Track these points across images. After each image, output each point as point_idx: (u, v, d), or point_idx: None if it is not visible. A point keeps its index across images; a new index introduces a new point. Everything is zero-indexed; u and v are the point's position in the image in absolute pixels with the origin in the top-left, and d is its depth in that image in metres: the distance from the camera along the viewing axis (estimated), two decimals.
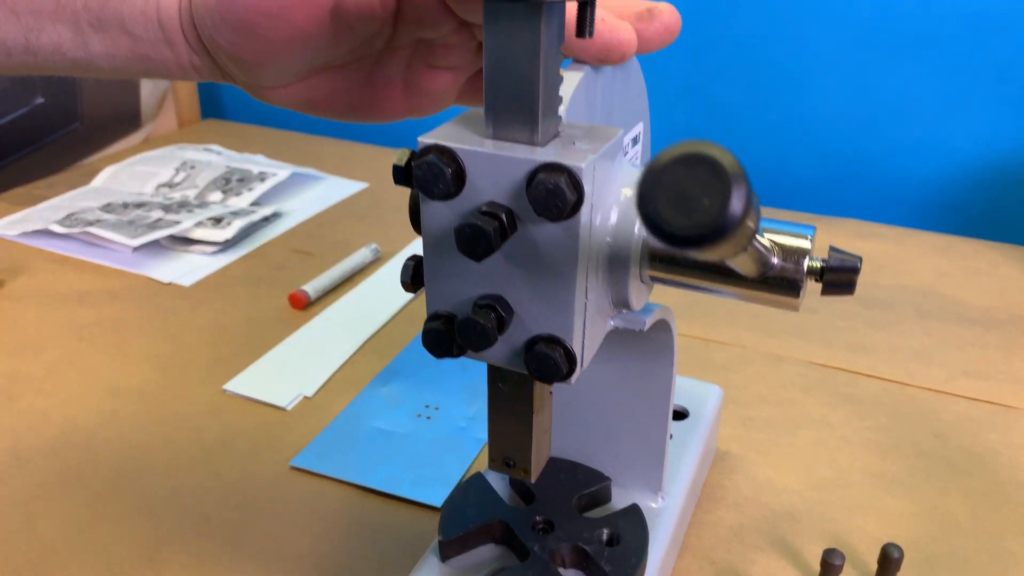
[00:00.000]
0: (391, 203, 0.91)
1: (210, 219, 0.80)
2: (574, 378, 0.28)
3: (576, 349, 0.28)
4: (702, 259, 0.27)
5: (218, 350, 0.64)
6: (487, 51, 0.25)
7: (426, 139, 0.27)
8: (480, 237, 0.25)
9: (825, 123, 0.90)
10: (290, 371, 0.61)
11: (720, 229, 0.16)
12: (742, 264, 0.24)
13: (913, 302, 0.73)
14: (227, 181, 0.90)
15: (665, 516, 0.42)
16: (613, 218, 0.27)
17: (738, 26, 0.89)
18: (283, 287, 0.73)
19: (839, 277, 0.26)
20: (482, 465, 0.52)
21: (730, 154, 0.16)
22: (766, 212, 0.87)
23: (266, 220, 0.84)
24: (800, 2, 0.85)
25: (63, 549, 0.46)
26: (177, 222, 0.78)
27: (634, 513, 0.39)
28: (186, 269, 0.75)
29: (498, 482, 0.42)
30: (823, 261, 0.26)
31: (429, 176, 0.26)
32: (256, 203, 0.87)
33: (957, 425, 0.57)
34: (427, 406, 0.58)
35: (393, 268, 0.77)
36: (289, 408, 0.58)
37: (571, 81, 0.28)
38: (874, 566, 0.45)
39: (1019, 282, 0.76)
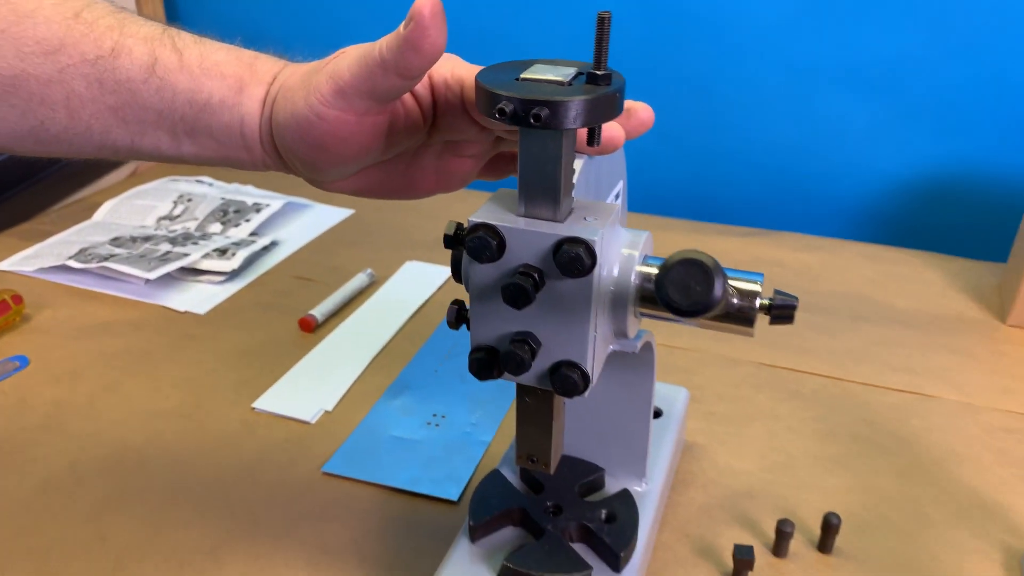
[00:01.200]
0: (378, 229, 0.99)
1: (215, 250, 0.87)
2: (587, 393, 0.37)
3: (589, 371, 0.37)
4: None
5: (241, 372, 0.72)
6: (522, 158, 0.34)
7: (476, 219, 0.35)
8: (521, 293, 0.34)
9: (769, 148, 1.01)
10: (310, 388, 0.69)
11: (708, 306, 0.25)
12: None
13: (847, 307, 0.83)
14: (224, 213, 0.97)
15: (649, 498, 0.51)
16: (615, 271, 0.36)
17: (692, 66, 0.99)
18: (291, 312, 0.80)
19: (782, 312, 0.35)
20: (489, 463, 0.61)
21: (713, 258, 0.25)
22: (717, 228, 0.97)
23: (265, 249, 0.91)
24: (745, 44, 0.96)
25: (135, 554, 0.53)
26: (186, 254, 0.85)
27: (625, 496, 0.48)
28: (198, 298, 0.82)
29: (512, 476, 0.51)
30: (770, 300, 0.36)
31: (479, 246, 0.35)
32: (254, 233, 0.94)
33: (885, 413, 0.68)
34: (435, 415, 0.66)
35: (387, 291, 0.85)
36: (313, 422, 0.66)
37: (577, 166, 0.37)
38: (818, 532, 0.55)
39: (938, 286, 0.88)
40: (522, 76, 0.33)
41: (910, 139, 0.95)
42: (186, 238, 0.91)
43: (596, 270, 0.34)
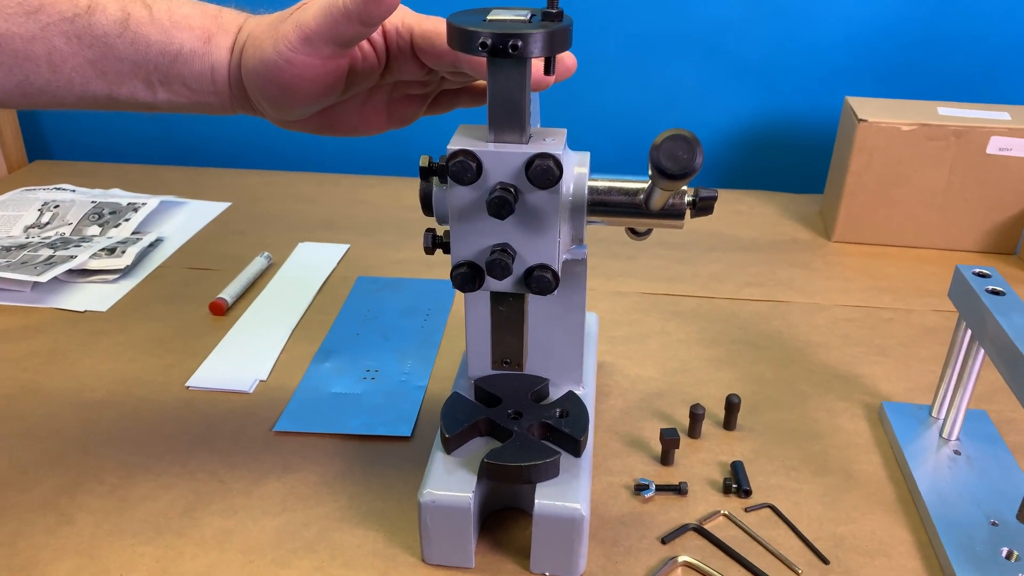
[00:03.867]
0: (261, 217, 1.00)
1: (103, 250, 0.86)
2: (555, 291, 0.44)
3: (558, 271, 0.43)
4: (648, 202, 0.44)
5: (163, 358, 0.72)
6: (491, 87, 0.40)
7: (454, 146, 0.41)
8: (505, 204, 0.40)
9: (613, 112, 1.12)
10: (239, 362, 0.71)
11: (692, 170, 0.32)
12: (660, 200, 0.42)
13: (702, 241, 0.96)
14: (99, 215, 0.95)
15: (588, 399, 0.59)
16: (571, 186, 0.43)
17: None
18: (196, 300, 0.81)
19: (706, 203, 0.44)
20: (430, 404, 0.66)
21: (694, 134, 0.33)
22: None
23: (152, 246, 0.91)
24: (588, 15, 1.05)
25: (107, 528, 0.54)
26: (72, 256, 0.84)
27: (572, 396, 0.56)
28: (95, 297, 0.81)
29: (469, 396, 0.57)
30: (695, 196, 0.44)
31: (460, 169, 0.41)
32: (137, 231, 0.93)
33: (751, 319, 0.79)
34: (368, 370, 0.71)
35: (287, 271, 0.87)
36: (251, 391, 0.68)
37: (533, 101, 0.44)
38: (722, 415, 0.65)
39: (771, 217, 1.02)
40: (488, 18, 0.40)
41: (735, 95, 1.09)
42: (65, 242, 0.88)
43: (563, 181, 0.41)
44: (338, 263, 0.89)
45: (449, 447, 0.53)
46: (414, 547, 0.53)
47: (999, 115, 0.89)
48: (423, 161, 0.43)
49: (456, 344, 0.74)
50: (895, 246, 0.94)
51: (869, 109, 0.91)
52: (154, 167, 1.16)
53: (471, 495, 0.49)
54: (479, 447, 0.53)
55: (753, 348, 0.75)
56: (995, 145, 0.87)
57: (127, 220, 0.94)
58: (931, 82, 1.04)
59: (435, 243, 0.44)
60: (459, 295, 0.83)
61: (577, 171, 0.44)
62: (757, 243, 0.95)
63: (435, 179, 0.44)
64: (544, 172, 0.40)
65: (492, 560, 0.52)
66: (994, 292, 0.56)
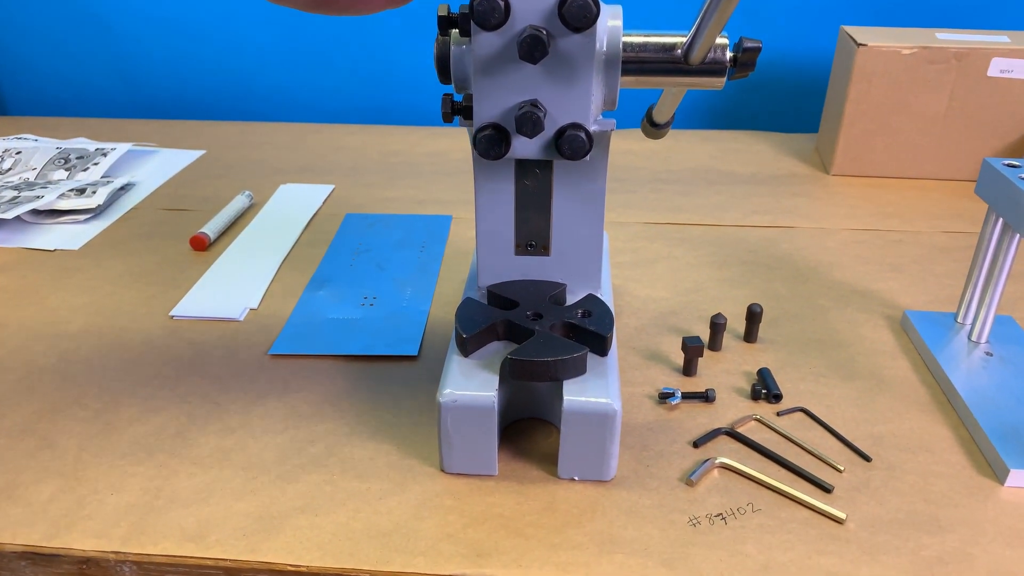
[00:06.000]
0: (238, 163, 0.95)
1: (72, 190, 0.80)
2: (588, 156, 0.40)
3: (591, 131, 0.40)
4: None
5: (142, 291, 0.67)
6: None
7: None
8: (537, 43, 0.36)
9: None
10: (227, 291, 0.67)
11: None
12: (703, 48, 0.38)
13: (700, 177, 0.93)
14: (66, 160, 0.89)
15: (607, 301, 0.55)
16: (605, 38, 0.40)
17: None
18: (175, 237, 0.76)
19: (749, 56, 0.41)
20: (435, 327, 0.63)
21: None
22: None
23: (123, 189, 0.86)
24: None
25: (92, 451, 0.50)
26: (39, 196, 0.78)
27: (593, 297, 0.52)
28: (66, 236, 0.76)
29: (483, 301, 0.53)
30: (735, 49, 0.41)
31: (487, 9, 0.37)
32: (106, 176, 0.87)
33: (759, 244, 0.77)
34: (365, 297, 0.67)
35: (270, 210, 0.83)
36: (242, 319, 0.64)
37: None
38: (742, 330, 0.62)
39: (768, 154, 0.99)
40: None
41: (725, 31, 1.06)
42: (31, 185, 0.83)
43: (599, 23, 0.38)
44: (324, 202, 0.85)
45: (467, 349, 0.49)
46: (432, 458, 0.49)
47: (998, 38, 0.88)
48: (442, 10, 0.39)
49: (456, 273, 0.71)
50: (895, 177, 0.92)
51: (868, 35, 0.89)
52: (121, 120, 1.10)
53: (494, 394, 0.46)
54: (499, 349, 0.50)
55: (764, 269, 0.72)
56: (996, 67, 0.86)
57: (95, 164, 0.88)
58: (925, 11, 1.02)
59: (454, 109, 0.41)
60: (455, 227, 0.79)
61: (611, 23, 0.40)
62: (756, 177, 0.93)
63: (454, 33, 0.40)
64: (581, 9, 0.37)
65: (516, 467, 0.48)
66: None
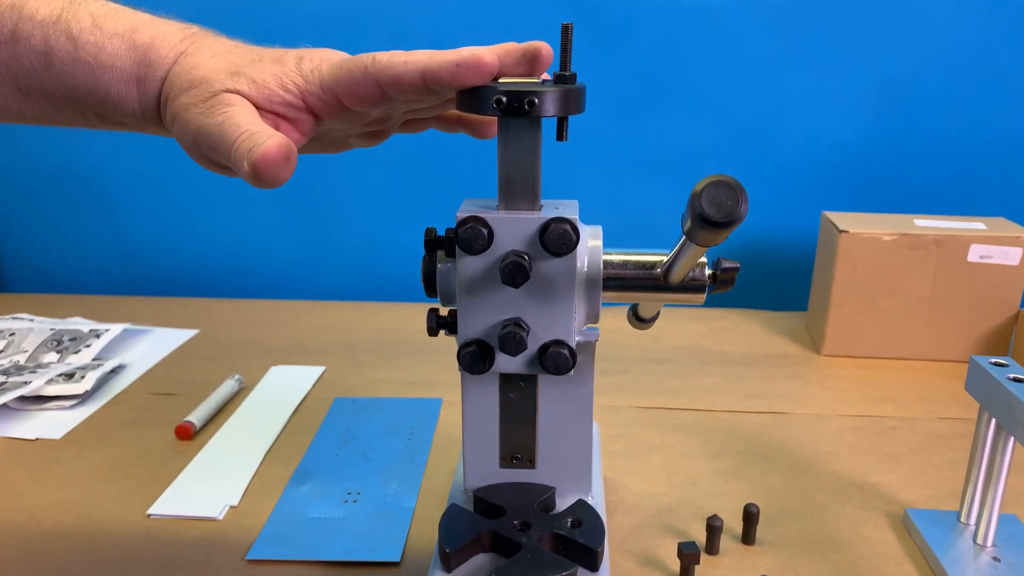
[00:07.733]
0: (229, 343, 0.96)
1: (61, 375, 0.80)
2: (572, 371, 0.40)
3: (574, 347, 0.40)
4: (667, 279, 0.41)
5: (121, 486, 0.66)
6: (501, 154, 0.38)
7: (463, 213, 0.39)
8: (519, 269, 0.37)
9: None
10: (207, 487, 0.65)
11: (737, 218, 0.30)
12: (683, 270, 0.39)
13: (691, 356, 0.93)
14: (58, 342, 0.89)
15: (599, 508, 0.53)
16: (586, 258, 0.41)
17: None
18: (160, 425, 0.75)
19: (728, 275, 0.41)
20: (419, 527, 0.60)
21: (737, 180, 0.31)
22: None
23: (113, 372, 0.85)
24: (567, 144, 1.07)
25: None
26: (26, 382, 0.78)
27: (583, 504, 0.51)
28: (49, 424, 0.75)
29: (469, 508, 0.51)
30: (716, 268, 0.42)
31: (471, 236, 0.38)
32: (97, 358, 0.87)
33: (754, 431, 0.75)
34: (349, 493, 0.65)
35: (259, 394, 0.82)
36: (221, 517, 0.61)
37: None
38: (739, 530, 0.60)
39: (757, 333, 1.00)
40: (500, 81, 0.38)
41: None
42: (20, 369, 0.82)
43: (579, 248, 0.39)
44: (313, 385, 0.84)
45: (450, 564, 0.47)
46: None
47: (974, 225, 0.91)
48: (429, 234, 0.40)
49: (445, 462, 0.69)
50: (886, 358, 0.92)
51: (848, 221, 0.92)
52: (117, 297, 1.12)
53: None
54: (484, 563, 0.48)
55: (760, 459, 0.70)
56: (975, 253, 0.88)
57: (88, 347, 0.89)
58: (901, 198, 1.06)
59: (439, 323, 0.41)
60: (444, 412, 0.78)
61: (591, 244, 0.41)
62: (747, 358, 0.93)
63: (440, 253, 0.41)
64: (561, 236, 0.37)
65: None
66: (1017, 380, 0.53)
